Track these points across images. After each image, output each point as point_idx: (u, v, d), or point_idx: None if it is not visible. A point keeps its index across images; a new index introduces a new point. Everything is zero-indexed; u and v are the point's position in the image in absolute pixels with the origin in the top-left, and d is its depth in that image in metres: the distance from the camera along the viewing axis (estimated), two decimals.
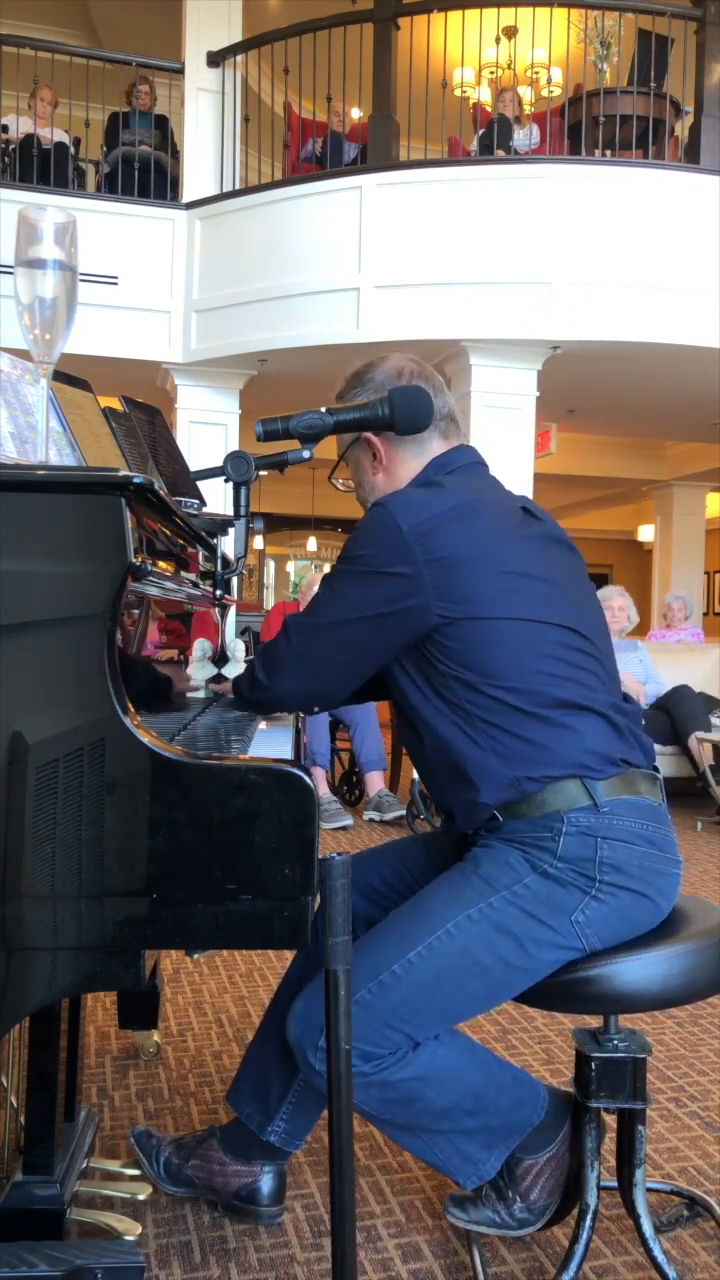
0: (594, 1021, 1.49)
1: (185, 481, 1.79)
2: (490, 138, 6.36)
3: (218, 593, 1.72)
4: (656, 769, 1.46)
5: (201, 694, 1.64)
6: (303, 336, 6.03)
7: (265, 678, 1.45)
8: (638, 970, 1.35)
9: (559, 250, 5.70)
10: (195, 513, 1.70)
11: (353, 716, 5.22)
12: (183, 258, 6.49)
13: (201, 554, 1.68)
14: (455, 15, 6.28)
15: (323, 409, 1.52)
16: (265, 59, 6.94)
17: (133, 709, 1.00)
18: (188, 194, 6.57)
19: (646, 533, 12.75)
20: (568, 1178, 1.46)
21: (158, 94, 7.13)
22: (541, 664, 1.38)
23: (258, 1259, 1.54)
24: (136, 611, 1.17)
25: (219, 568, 1.74)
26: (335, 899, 1.07)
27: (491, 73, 8.04)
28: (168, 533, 1.36)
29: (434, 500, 1.40)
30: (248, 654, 1.89)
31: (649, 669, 5.45)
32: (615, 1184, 1.49)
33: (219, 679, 1.64)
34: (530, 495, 6.02)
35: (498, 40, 7.23)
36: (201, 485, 1.83)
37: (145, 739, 0.99)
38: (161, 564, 1.23)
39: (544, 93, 7.78)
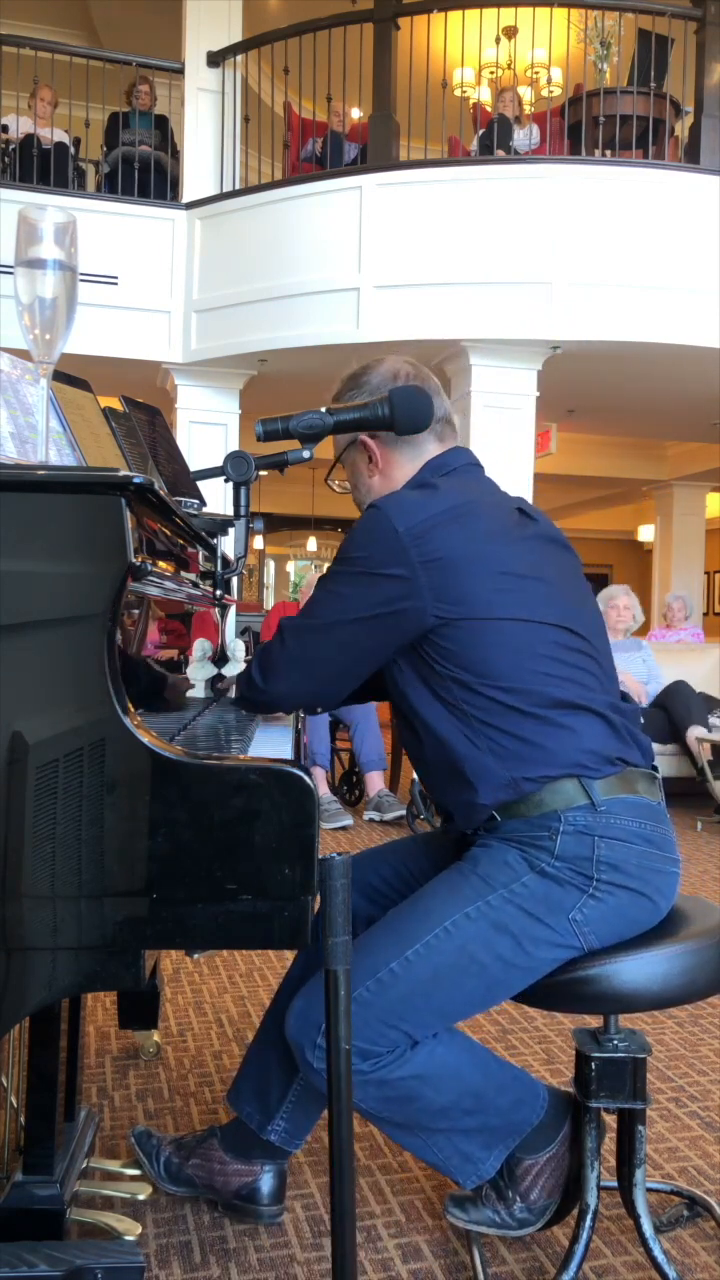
0: (594, 1021, 1.49)
1: (185, 481, 1.79)
2: (490, 138, 6.36)
3: (218, 593, 1.72)
4: (655, 768, 1.47)
5: (201, 694, 1.64)
6: (303, 336, 6.03)
7: (261, 679, 1.45)
8: (637, 970, 1.35)
9: (559, 250, 5.70)
10: (195, 513, 1.70)
11: (353, 716, 5.22)
12: (183, 258, 6.50)
13: (201, 554, 1.68)
14: (455, 15, 6.28)
15: (323, 409, 1.52)
16: (265, 59, 6.94)
17: (133, 709, 1.00)
18: (188, 194, 6.57)
19: (646, 533, 12.75)
20: (568, 1178, 1.46)
21: (158, 94, 7.13)
22: (538, 664, 1.38)
23: (258, 1259, 1.54)
24: (136, 611, 1.17)
25: (219, 568, 1.74)
26: (335, 899, 1.07)
27: (491, 73, 8.04)
28: (168, 533, 1.37)
29: (429, 502, 1.40)
30: (247, 654, 1.89)
31: (652, 668, 5.46)
32: (615, 1184, 1.50)
33: (219, 679, 1.64)
34: (530, 495, 6.04)
35: (498, 40, 7.23)
36: (201, 485, 1.83)
37: (145, 739, 0.99)
38: (161, 564, 1.23)
39: (544, 93, 7.78)
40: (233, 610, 1.98)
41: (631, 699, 1.51)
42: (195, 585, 1.53)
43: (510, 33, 7.47)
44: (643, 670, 5.40)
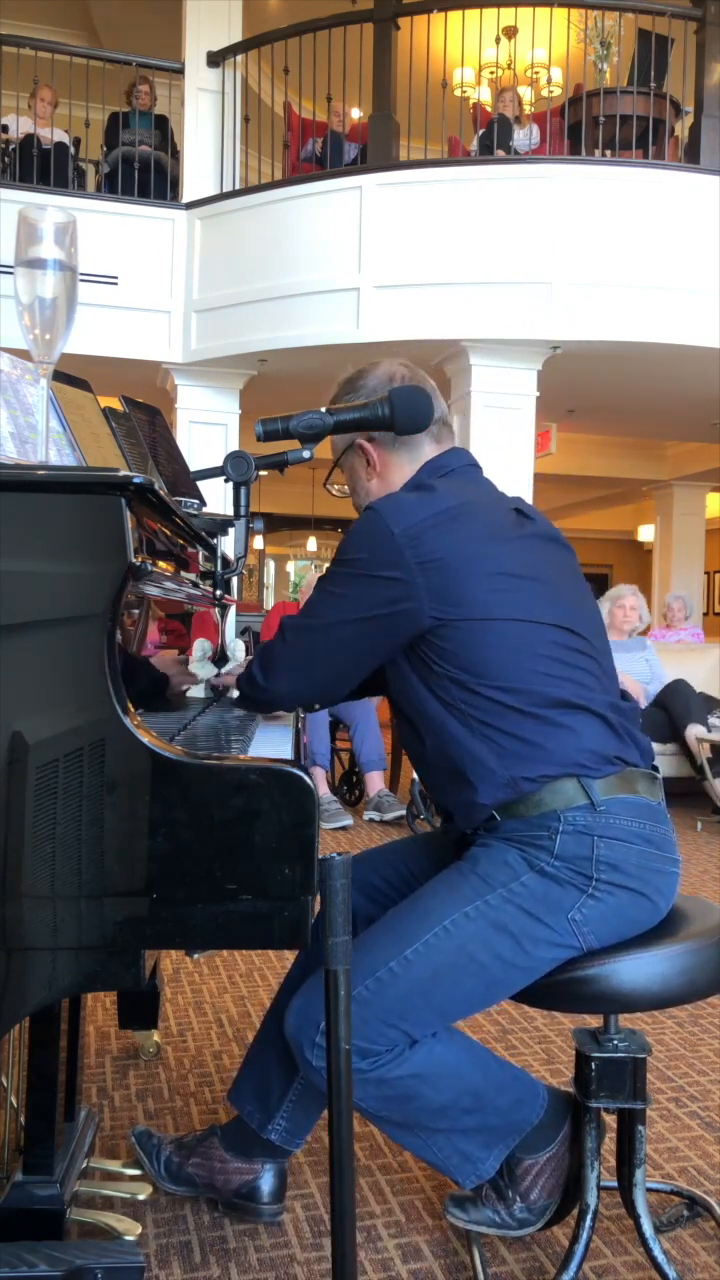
0: (594, 1021, 1.49)
1: (185, 481, 1.79)
2: (490, 138, 6.36)
3: (218, 593, 1.72)
4: (656, 768, 1.47)
5: (201, 694, 1.64)
6: (303, 336, 6.03)
7: (262, 678, 1.46)
8: (637, 970, 1.36)
9: (559, 250, 5.70)
10: (195, 513, 1.70)
11: (353, 716, 5.22)
12: (183, 258, 6.50)
13: (201, 554, 1.68)
14: (455, 15, 6.28)
15: (323, 409, 1.52)
16: (265, 59, 6.94)
17: (133, 709, 1.00)
18: (188, 194, 6.57)
19: (646, 533, 12.75)
20: (568, 1178, 1.46)
21: (158, 94, 7.13)
22: (537, 664, 1.38)
23: (258, 1259, 1.54)
24: (136, 611, 1.17)
25: (219, 568, 1.75)
26: (335, 899, 1.07)
27: (491, 73, 8.04)
28: (168, 533, 1.37)
29: (425, 503, 1.40)
30: (247, 654, 1.89)
31: (655, 668, 5.46)
32: (615, 1184, 1.50)
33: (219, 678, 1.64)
34: (530, 495, 6.04)
35: (498, 40, 7.23)
36: (201, 485, 1.83)
37: (145, 739, 0.99)
38: (161, 564, 1.23)
39: (544, 93, 7.78)
40: (233, 610, 1.98)
41: (631, 698, 1.51)
42: (195, 585, 1.53)
43: (510, 33, 7.47)
44: (646, 670, 5.40)
